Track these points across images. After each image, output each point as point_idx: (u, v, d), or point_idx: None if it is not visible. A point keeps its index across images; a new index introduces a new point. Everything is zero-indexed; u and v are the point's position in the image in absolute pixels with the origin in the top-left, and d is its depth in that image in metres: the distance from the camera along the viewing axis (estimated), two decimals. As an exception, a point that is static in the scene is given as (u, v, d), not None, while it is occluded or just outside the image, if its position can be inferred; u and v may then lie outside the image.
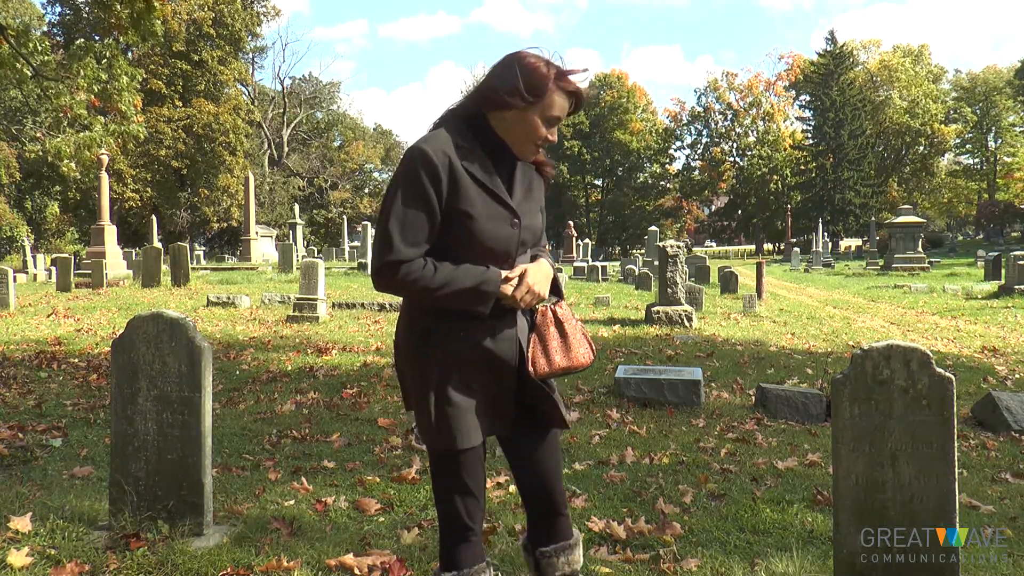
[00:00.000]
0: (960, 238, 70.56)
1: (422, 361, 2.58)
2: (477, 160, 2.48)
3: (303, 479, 4.71)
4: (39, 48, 11.94)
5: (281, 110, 69.37)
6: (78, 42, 12.90)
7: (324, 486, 4.64)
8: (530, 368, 2.60)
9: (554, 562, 2.81)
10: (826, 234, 59.02)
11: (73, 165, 13.74)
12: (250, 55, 63.12)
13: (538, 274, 2.59)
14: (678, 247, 13.05)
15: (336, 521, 4.06)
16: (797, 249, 52.25)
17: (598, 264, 31.59)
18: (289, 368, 8.63)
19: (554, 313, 2.67)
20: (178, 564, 3.42)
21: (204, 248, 53.91)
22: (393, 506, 4.31)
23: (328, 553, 3.58)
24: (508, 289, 2.50)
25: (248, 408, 6.75)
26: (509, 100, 2.48)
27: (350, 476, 4.84)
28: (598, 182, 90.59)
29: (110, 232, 25.63)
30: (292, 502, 4.34)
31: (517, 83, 2.46)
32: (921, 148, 79.62)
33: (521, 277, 2.53)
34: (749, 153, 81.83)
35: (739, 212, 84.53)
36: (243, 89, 60.78)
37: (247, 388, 7.60)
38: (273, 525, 3.90)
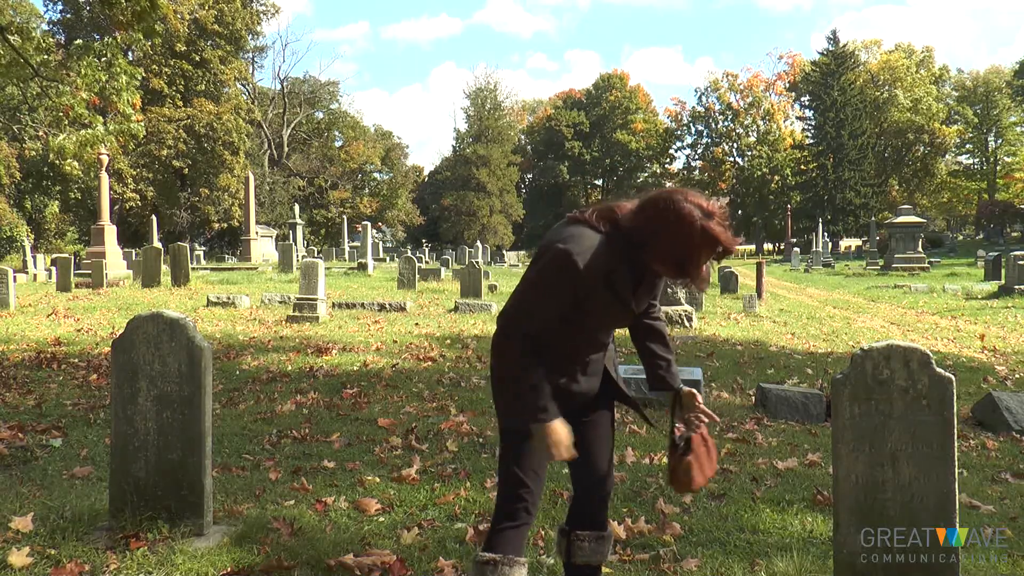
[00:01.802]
0: (960, 238, 70.50)
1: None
2: (619, 276, 2.64)
3: (303, 479, 4.71)
4: (41, 45, 11.93)
5: (281, 110, 69.31)
6: (77, 42, 12.91)
7: (324, 486, 4.64)
8: (684, 487, 2.93)
9: (585, 547, 2.94)
10: (826, 234, 59.01)
11: (76, 164, 13.74)
12: (250, 54, 63.12)
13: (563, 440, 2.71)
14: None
15: (336, 521, 4.06)
16: (797, 249, 52.23)
17: (598, 264, 31.51)
18: (289, 368, 8.63)
19: (704, 436, 2.96)
20: (178, 564, 3.42)
21: (204, 248, 53.83)
22: (393, 506, 4.31)
23: (328, 553, 3.58)
24: (549, 444, 2.66)
25: (248, 408, 6.75)
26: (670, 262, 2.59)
27: (350, 476, 4.84)
28: (598, 182, 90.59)
29: (110, 232, 25.61)
30: (292, 502, 4.34)
31: (684, 255, 2.55)
32: (921, 148, 79.56)
33: (556, 443, 2.66)
34: (749, 153, 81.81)
35: (739, 212, 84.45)
36: (243, 89, 60.74)
37: (247, 388, 7.61)
38: (273, 525, 3.90)
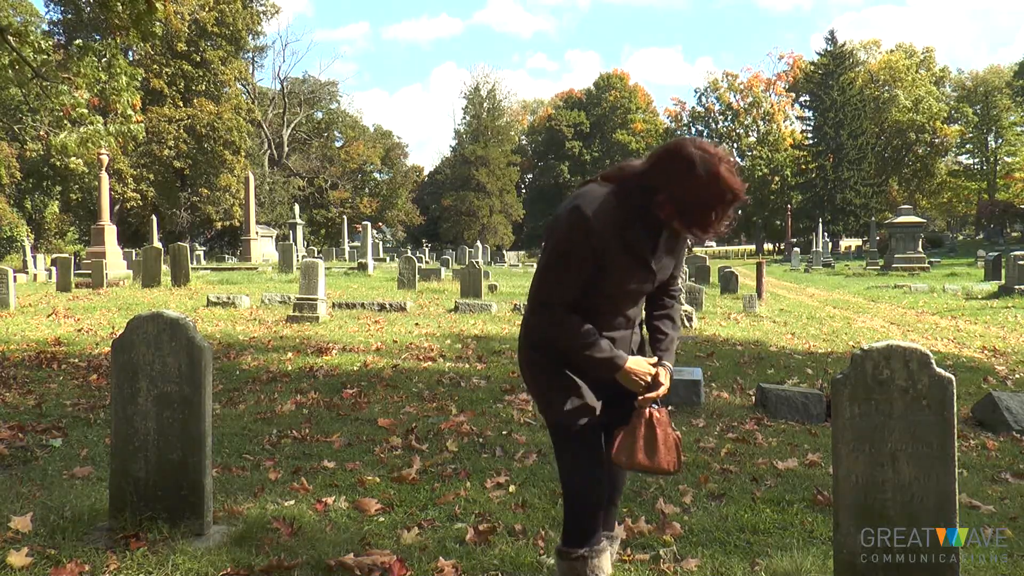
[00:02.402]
0: (960, 238, 70.50)
1: (541, 361, 2.89)
2: (634, 230, 2.66)
3: (303, 479, 4.71)
4: (40, 46, 11.94)
5: (281, 110, 69.33)
6: (77, 42, 12.91)
7: (324, 486, 4.64)
8: (612, 454, 2.87)
9: None
10: (826, 234, 59.04)
11: (80, 161, 13.75)
12: (250, 54, 63.15)
13: (664, 377, 2.88)
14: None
15: (336, 521, 4.06)
16: (797, 249, 52.25)
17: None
18: (289, 368, 8.63)
19: (651, 415, 2.89)
20: (178, 564, 3.42)
21: (204, 248, 53.87)
22: (393, 506, 4.31)
23: (328, 553, 3.58)
24: (635, 379, 2.81)
25: (248, 408, 6.75)
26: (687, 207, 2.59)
27: (350, 476, 4.84)
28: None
29: (110, 232, 25.60)
30: (292, 502, 4.34)
31: (695, 201, 2.56)
32: (921, 148, 79.54)
33: (641, 375, 2.81)
34: (749, 153, 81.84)
35: (739, 212, 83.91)
36: (243, 89, 60.73)
37: (247, 388, 7.61)
38: (273, 525, 3.90)
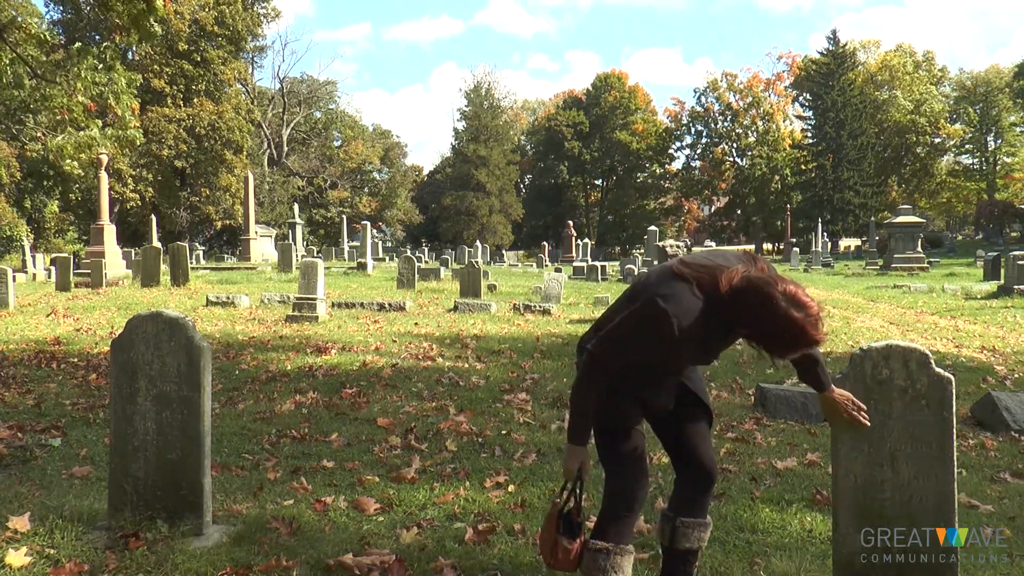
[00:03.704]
0: (959, 238, 70.49)
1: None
2: (711, 332, 2.79)
3: (302, 479, 4.71)
4: (44, 38, 11.91)
5: (280, 110, 69.29)
6: (76, 45, 12.90)
7: (323, 486, 4.64)
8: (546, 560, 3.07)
9: (689, 534, 3.12)
10: (825, 234, 58.95)
11: (76, 164, 13.75)
12: (250, 54, 63.07)
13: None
14: (677, 246, 13.07)
15: (335, 521, 4.06)
16: (797, 249, 52.23)
17: (597, 264, 31.61)
18: (288, 368, 8.63)
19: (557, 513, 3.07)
20: (177, 564, 3.42)
21: (204, 248, 53.85)
22: (392, 506, 4.31)
23: (327, 553, 3.58)
24: (570, 465, 2.97)
25: (247, 408, 6.75)
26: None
27: (349, 476, 4.84)
28: (598, 182, 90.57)
29: (109, 232, 25.59)
30: (291, 502, 4.34)
31: (777, 343, 2.70)
32: (921, 149, 79.57)
33: (580, 473, 2.96)
34: (749, 153, 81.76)
35: (739, 212, 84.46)
36: (242, 88, 60.69)
37: (246, 388, 7.61)
38: (272, 525, 3.90)
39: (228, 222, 52.24)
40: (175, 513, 3.73)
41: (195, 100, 49.42)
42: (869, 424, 2.99)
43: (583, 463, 2.96)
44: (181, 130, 47.92)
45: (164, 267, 22.53)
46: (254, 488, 4.57)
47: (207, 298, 15.79)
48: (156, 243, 28.32)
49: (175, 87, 49.16)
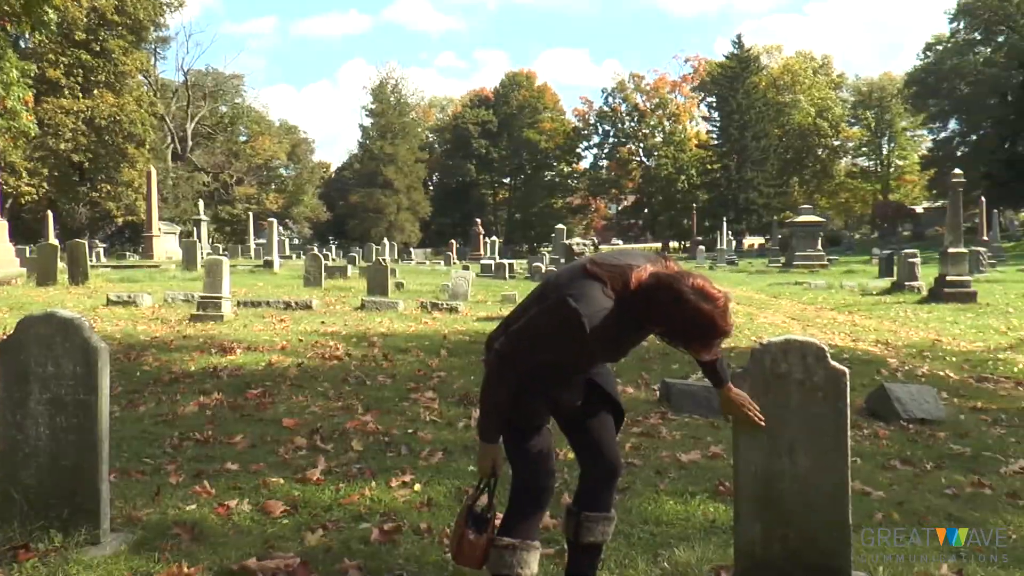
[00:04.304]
0: (857, 237, 73.06)
1: None
2: (623, 331, 2.80)
3: (205, 482, 4.60)
4: None
5: (184, 103, 67.40)
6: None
7: (227, 489, 4.54)
8: (472, 564, 3.06)
9: (593, 528, 3.15)
10: (730, 232, 60.37)
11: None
12: (152, 46, 61.19)
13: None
14: (584, 245, 13.18)
15: (239, 524, 3.98)
16: (702, 247, 53.35)
17: (505, 262, 31.76)
18: (192, 368, 8.41)
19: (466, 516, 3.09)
20: (72, 574, 3.30)
21: (105, 245, 52.02)
22: (298, 508, 4.24)
23: (231, 557, 3.51)
24: (483, 463, 3.02)
25: (149, 410, 6.56)
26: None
27: (254, 478, 4.74)
28: (506, 180, 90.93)
29: (1, 228, 24.50)
30: (194, 506, 4.24)
31: (690, 337, 2.76)
32: (821, 151, 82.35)
33: (494, 470, 3.01)
34: (656, 153, 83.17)
35: (646, 210, 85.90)
36: (145, 80, 58.82)
37: (148, 390, 7.38)
38: (174, 530, 3.81)
39: (130, 218, 50.55)
40: (70, 522, 3.60)
41: (94, 91, 47.59)
42: (763, 422, 3.08)
43: (495, 460, 2.97)
44: (79, 122, 46.09)
45: (62, 265, 21.68)
46: (155, 493, 4.44)
47: (107, 297, 15.28)
48: (53, 240, 27.26)
49: (72, 78, 47.24)
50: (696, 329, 2.68)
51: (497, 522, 3.08)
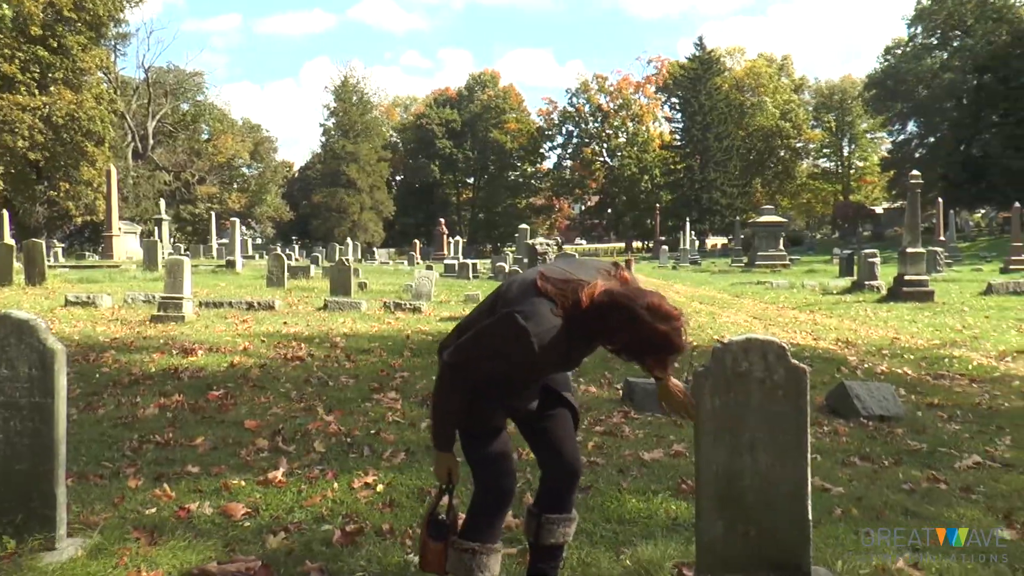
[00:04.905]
0: (818, 237, 74.12)
1: None
2: (572, 347, 2.79)
3: (165, 485, 4.55)
4: None
5: (145, 100, 66.45)
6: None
7: (188, 492, 4.49)
8: (435, 569, 3.03)
9: (554, 530, 3.16)
10: (693, 232, 60.85)
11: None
12: (112, 42, 60.26)
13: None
14: (547, 244, 13.23)
15: (200, 528, 3.93)
16: (666, 247, 53.74)
17: (469, 262, 31.75)
18: (153, 370, 8.30)
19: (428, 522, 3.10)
20: (26, 580, 3.25)
21: (63, 245, 51.21)
22: (259, 510, 4.20)
23: (191, 561, 3.47)
24: (439, 471, 3.04)
25: (108, 413, 6.46)
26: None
27: (215, 481, 4.69)
28: (470, 180, 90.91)
29: (-45, 228, 24.05)
30: (154, 510, 4.18)
31: (644, 355, 2.77)
32: (783, 152, 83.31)
33: (450, 476, 3.02)
34: (619, 153, 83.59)
35: (609, 210, 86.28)
36: (104, 77, 57.93)
37: (107, 392, 7.27)
38: (133, 535, 3.76)
39: (90, 218, 49.74)
40: (24, 527, 3.53)
41: (52, 88, 46.74)
42: (695, 415, 3.13)
43: (451, 467, 2.97)
44: (36, 120, 45.22)
45: (18, 265, 21.32)
46: (114, 497, 4.37)
47: (66, 298, 15.04)
48: (8, 240, 26.72)
49: (28, 74, 46.30)
50: (651, 348, 2.68)
51: (460, 523, 3.08)
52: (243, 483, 4.62)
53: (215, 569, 3.37)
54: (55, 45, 46.59)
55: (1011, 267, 29.08)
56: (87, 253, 47.41)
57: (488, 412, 2.96)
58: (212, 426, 6.08)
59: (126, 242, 35.19)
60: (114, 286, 19.45)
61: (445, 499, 3.08)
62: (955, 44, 63.32)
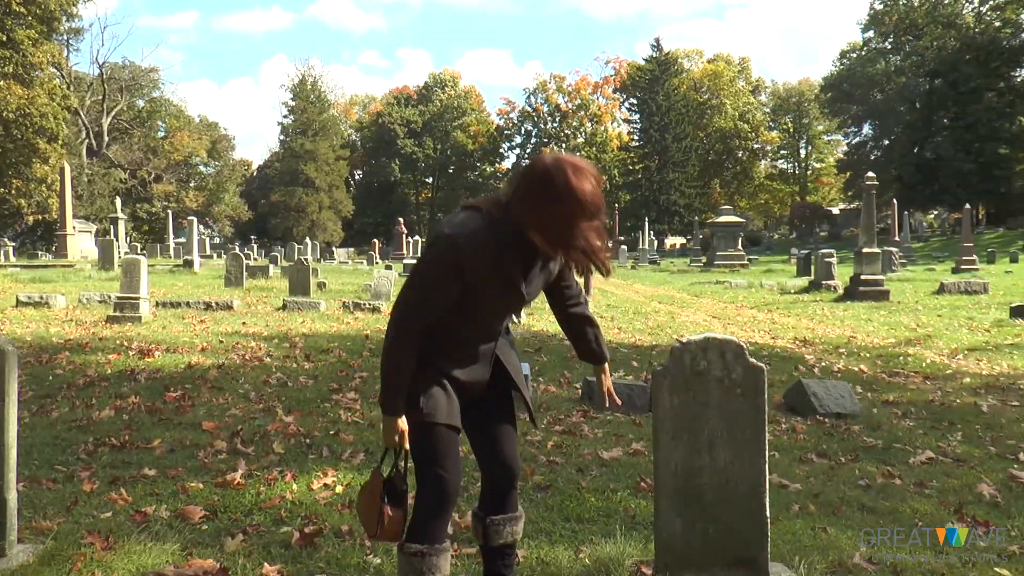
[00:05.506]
0: (776, 237, 75.06)
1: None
2: (506, 256, 2.65)
3: (122, 489, 4.47)
4: None
5: (100, 96, 65.32)
6: None
7: (144, 495, 4.42)
8: (394, 537, 2.92)
9: (501, 530, 3.09)
10: (652, 232, 61.31)
11: None
12: (65, 36, 59.15)
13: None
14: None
15: (157, 531, 3.87)
16: (625, 247, 53.97)
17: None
18: (108, 371, 8.16)
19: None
20: (-25, 589, 3.18)
21: (15, 244, 50.20)
22: (217, 513, 4.15)
23: (147, 566, 3.42)
24: (388, 438, 2.85)
25: (62, 416, 6.34)
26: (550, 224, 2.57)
27: (172, 483, 4.63)
28: (429, 180, 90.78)
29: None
30: (109, 514, 4.11)
31: (556, 217, 2.54)
32: (741, 153, 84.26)
33: (401, 438, 2.82)
34: (578, 153, 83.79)
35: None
36: (57, 72, 56.86)
37: (61, 394, 7.13)
38: (87, 540, 3.69)
39: (43, 216, 48.78)
40: (-27, 533, 3.46)
41: (1, 83, 45.81)
42: (620, 403, 3.26)
43: (401, 433, 2.83)
44: (-14, 116, 44.33)
45: (-33, 265, 20.90)
46: (68, 502, 4.29)
47: (17, 298, 14.76)
48: (-43, 239, 26.22)
49: (-25, 69, 45.40)
50: (571, 206, 2.48)
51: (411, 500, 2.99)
52: (201, 485, 4.56)
53: (172, 573, 3.32)
54: (4, 39, 45.53)
55: (962, 267, 29.72)
56: (40, 252, 46.56)
57: (437, 399, 2.82)
58: (169, 428, 5.99)
59: (81, 241, 34.62)
60: (68, 286, 19.12)
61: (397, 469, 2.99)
62: (907, 48, 64.51)
